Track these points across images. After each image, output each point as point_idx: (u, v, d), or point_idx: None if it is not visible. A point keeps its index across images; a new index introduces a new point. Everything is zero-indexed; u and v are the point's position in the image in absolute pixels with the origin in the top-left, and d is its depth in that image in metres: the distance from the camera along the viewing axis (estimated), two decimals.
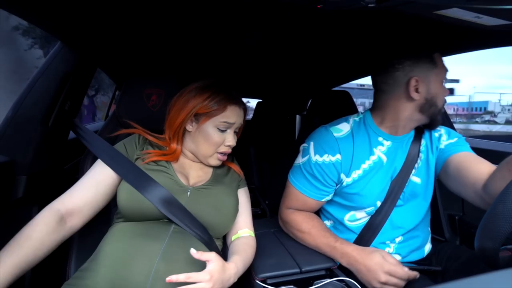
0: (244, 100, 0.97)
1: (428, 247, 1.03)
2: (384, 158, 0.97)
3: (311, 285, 0.78)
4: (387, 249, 0.96)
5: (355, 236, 0.99)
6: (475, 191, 0.83)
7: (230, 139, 0.88)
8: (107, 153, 0.84)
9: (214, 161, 0.90)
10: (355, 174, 0.96)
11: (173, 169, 0.85)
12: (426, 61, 0.90)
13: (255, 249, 0.87)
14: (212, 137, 0.86)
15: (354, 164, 0.96)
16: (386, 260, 0.84)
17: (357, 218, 1.00)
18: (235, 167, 0.99)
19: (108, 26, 0.99)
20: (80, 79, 1.08)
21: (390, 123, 0.97)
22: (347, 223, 1.01)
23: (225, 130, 0.87)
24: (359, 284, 0.80)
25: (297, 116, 2.61)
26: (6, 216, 0.87)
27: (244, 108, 0.91)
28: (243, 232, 0.90)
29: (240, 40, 1.17)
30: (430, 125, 0.97)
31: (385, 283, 0.82)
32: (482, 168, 0.84)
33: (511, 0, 0.58)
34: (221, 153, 0.89)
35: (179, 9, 0.87)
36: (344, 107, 1.40)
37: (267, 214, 1.92)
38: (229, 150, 0.90)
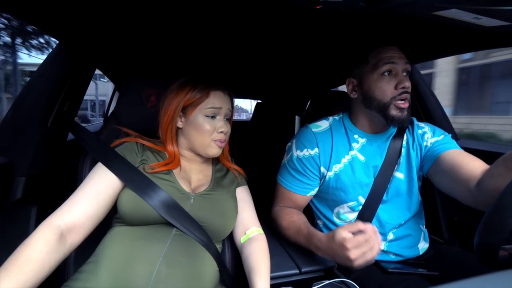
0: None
1: (423, 246, 1.04)
2: (361, 157, 1.02)
3: (310, 286, 0.78)
4: None
5: None
6: (468, 188, 0.82)
7: (221, 125, 0.86)
8: (109, 157, 0.81)
9: (213, 150, 0.87)
10: (336, 168, 1.01)
11: (174, 176, 0.84)
12: (360, 61, 1.00)
13: (267, 248, 0.86)
14: (203, 125, 0.85)
15: (334, 158, 1.01)
16: (346, 237, 0.76)
17: (344, 215, 1.03)
18: (234, 167, 0.99)
19: (106, 26, 0.99)
20: (79, 80, 1.08)
21: (360, 121, 1.04)
22: (336, 220, 1.04)
23: (215, 117, 0.86)
24: (358, 285, 0.80)
25: (296, 117, 2.61)
26: (5, 217, 0.87)
27: (229, 93, 0.90)
28: (252, 231, 0.88)
29: (239, 41, 1.17)
30: (395, 121, 0.95)
31: (358, 257, 0.75)
32: (476, 166, 0.84)
33: (510, 1, 0.58)
34: (217, 140, 0.87)
35: (178, 9, 0.87)
36: (343, 108, 1.40)
37: (266, 215, 1.92)
38: (224, 137, 0.88)
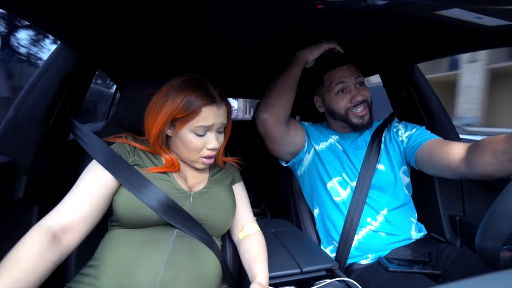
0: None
1: (416, 236, 1.10)
2: (339, 146, 1.19)
3: (312, 286, 0.78)
4: (368, 227, 1.07)
5: (344, 217, 1.10)
6: (454, 170, 0.92)
7: (212, 142, 0.81)
8: (106, 156, 0.78)
9: (199, 165, 0.85)
10: (323, 145, 1.20)
11: (172, 175, 0.82)
12: (318, 83, 1.21)
13: (265, 243, 0.88)
14: (191, 142, 0.80)
15: (318, 139, 1.21)
16: None
17: (338, 192, 1.13)
18: (230, 160, 0.98)
19: (108, 26, 0.99)
20: (80, 80, 1.08)
21: (333, 126, 1.25)
22: (335, 200, 1.13)
23: (204, 134, 0.80)
24: (359, 284, 0.80)
25: (297, 117, 2.61)
26: (7, 217, 0.87)
27: (226, 105, 0.83)
28: (249, 228, 0.90)
29: (240, 41, 1.17)
30: (358, 127, 1.14)
31: None
32: (451, 148, 0.93)
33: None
34: (205, 157, 0.83)
35: (179, 9, 0.87)
36: None
37: (267, 215, 1.92)
38: (213, 153, 0.83)
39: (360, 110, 1.12)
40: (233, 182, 0.96)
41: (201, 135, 0.80)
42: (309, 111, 1.64)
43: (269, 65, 1.60)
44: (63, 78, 0.98)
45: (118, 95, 2.12)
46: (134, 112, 1.03)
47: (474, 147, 0.86)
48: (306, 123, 1.26)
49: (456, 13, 0.66)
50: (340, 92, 1.13)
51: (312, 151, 1.20)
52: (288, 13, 0.87)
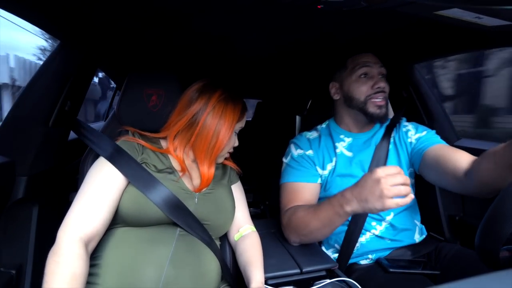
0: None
1: (419, 238, 1.08)
2: (348, 153, 1.11)
3: (312, 286, 0.78)
4: (373, 231, 1.04)
5: (347, 222, 1.04)
6: (455, 178, 0.88)
7: (237, 140, 0.94)
8: (113, 153, 0.78)
9: (222, 159, 0.94)
10: (330, 166, 1.10)
11: (179, 175, 0.83)
12: (339, 67, 1.14)
13: (260, 244, 0.89)
14: (232, 140, 0.90)
15: (326, 158, 1.11)
16: (376, 170, 0.75)
17: None
18: (229, 163, 1.00)
19: (108, 26, 0.99)
20: (80, 79, 1.08)
21: (345, 122, 1.16)
22: None
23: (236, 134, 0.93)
24: (359, 284, 0.80)
25: (297, 117, 2.61)
26: (6, 217, 0.87)
27: None
28: (245, 229, 0.91)
29: (240, 41, 1.17)
30: (374, 118, 1.07)
31: (389, 192, 0.72)
32: (459, 156, 0.90)
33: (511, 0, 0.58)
34: (228, 152, 0.94)
35: (179, 9, 0.87)
36: None
37: (267, 215, 1.92)
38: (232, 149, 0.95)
39: (379, 99, 1.06)
40: (230, 181, 0.97)
41: (236, 134, 0.93)
42: (309, 112, 1.64)
43: (270, 65, 1.60)
44: (62, 77, 0.98)
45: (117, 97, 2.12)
46: (134, 112, 1.03)
47: (479, 157, 0.83)
48: (312, 153, 1.11)
49: (456, 13, 0.66)
50: (362, 76, 1.07)
51: (318, 179, 1.10)
52: (288, 13, 0.87)
